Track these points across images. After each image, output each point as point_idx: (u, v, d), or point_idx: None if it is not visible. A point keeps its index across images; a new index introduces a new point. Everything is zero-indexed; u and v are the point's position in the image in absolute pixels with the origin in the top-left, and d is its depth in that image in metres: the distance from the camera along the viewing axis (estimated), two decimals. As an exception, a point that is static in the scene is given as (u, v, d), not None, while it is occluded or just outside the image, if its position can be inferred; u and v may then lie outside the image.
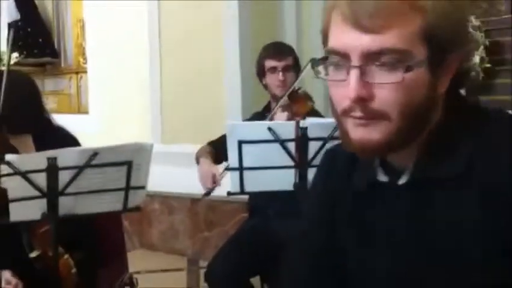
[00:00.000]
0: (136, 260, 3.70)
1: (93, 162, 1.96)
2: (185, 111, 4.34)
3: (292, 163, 2.28)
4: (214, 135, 2.85)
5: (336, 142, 2.21)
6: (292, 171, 2.29)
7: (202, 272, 2.89)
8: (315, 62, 0.92)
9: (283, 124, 2.39)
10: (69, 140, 2.19)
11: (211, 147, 2.83)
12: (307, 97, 2.89)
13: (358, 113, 0.87)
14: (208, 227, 4.13)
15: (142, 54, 4.60)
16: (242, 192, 2.35)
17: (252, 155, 2.27)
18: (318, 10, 3.90)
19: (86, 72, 5.67)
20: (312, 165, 2.27)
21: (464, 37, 0.90)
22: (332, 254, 1.05)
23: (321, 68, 0.92)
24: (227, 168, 2.34)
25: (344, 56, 0.87)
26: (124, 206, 2.07)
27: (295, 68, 2.88)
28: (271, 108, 2.88)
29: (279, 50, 2.90)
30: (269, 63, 2.85)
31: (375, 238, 0.97)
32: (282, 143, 2.25)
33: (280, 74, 2.82)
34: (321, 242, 1.07)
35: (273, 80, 2.84)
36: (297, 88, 2.87)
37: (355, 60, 0.86)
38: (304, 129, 2.24)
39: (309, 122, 2.28)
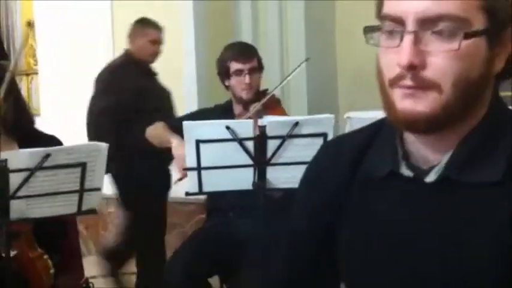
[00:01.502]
0: (92, 265, 3.62)
1: (45, 164, 1.91)
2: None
3: (251, 162, 2.26)
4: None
5: (295, 140, 2.24)
6: (251, 170, 2.27)
7: (160, 275, 2.84)
8: (367, 29, 0.87)
9: (241, 123, 2.37)
10: (56, 143, 2.10)
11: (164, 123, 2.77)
12: (279, 101, 2.86)
13: (408, 82, 0.82)
14: (166, 229, 4.07)
15: (95, 55, 4.51)
16: (200, 192, 2.32)
17: (210, 155, 2.24)
18: (273, 9, 3.90)
19: (36, 73, 5.53)
20: (271, 163, 2.25)
21: None
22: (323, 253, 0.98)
23: (373, 35, 0.87)
24: (185, 169, 2.30)
25: (399, 22, 0.83)
26: (78, 209, 2.01)
27: (259, 69, 2.82)
28: (233, 110, 2.81)
29: (244, 51, 2.81)
30: (234, 65, 2.75)
31: (385, 234, 0.90)
32: (241, 141, 2.23)
33: (247, 76, 2.73)
34: (312, 240, 0.99)
35: (239, 82, 2.74)
36: (264, 90, 2.81)
37: (410, 26, 0.81)
38: (263, 128, 2.23)
39: (268, 120, 2.27)
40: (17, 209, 1.90)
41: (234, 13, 4.02)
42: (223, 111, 2.80)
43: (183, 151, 2.38)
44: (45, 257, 1.99)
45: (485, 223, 0.82)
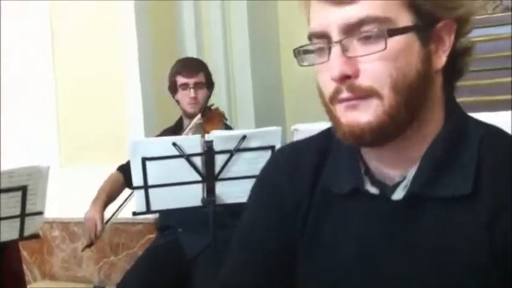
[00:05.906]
0: (38, 292, 3.50)
1: (-16, 189, 1.82)
2: (84, 132, 4.16)
3: (199, 178, 2.22)
4: (115, 155, 2.74)
5: (243, 154, 2.22)
6: (199, 186, 2.24)
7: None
8: (297, 51, 0.85)
9: (188, 138, 2.33)
10: None
11: (120, 174, 2.73)
12: (220, 114, 2.85)
13: (345, 94, 0.79)
14: (114, 251, 3.97)
15: (34, 71, 4.37)
16: (148, 211, 2.26)
17: (157, 172, 2.19)
18: (217, 19, 3.88)
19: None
20: (219, 178, 2.22)
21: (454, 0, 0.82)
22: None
23: (304, 57, 0.85)
24: (132, 187, 2.24)
25: (325, 37, 0.81)
26: (20, 234, 1.93)
27: (207, 84, 2.85)
28: (183, 124, 2.83)
29: (190, 66, 2.85)
30: (180, 79, 2.81)
31: (350, 255, 0.86)
32: (188, 157, 2.19)
33: (192, 90, 2.77)
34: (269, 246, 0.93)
35: (185, 96, 2.79)
36: (210, 105, 2.84)
37: (335, 37, 0.79)
38: (210, 143, 2.20)
39: (215, 135, 2.24)
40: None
41: (177, 26, 3.98)
42: (174, 130, 2.82)
43: (92, 216, 2.48)
44: None
45: (458, 239, 0.79)
